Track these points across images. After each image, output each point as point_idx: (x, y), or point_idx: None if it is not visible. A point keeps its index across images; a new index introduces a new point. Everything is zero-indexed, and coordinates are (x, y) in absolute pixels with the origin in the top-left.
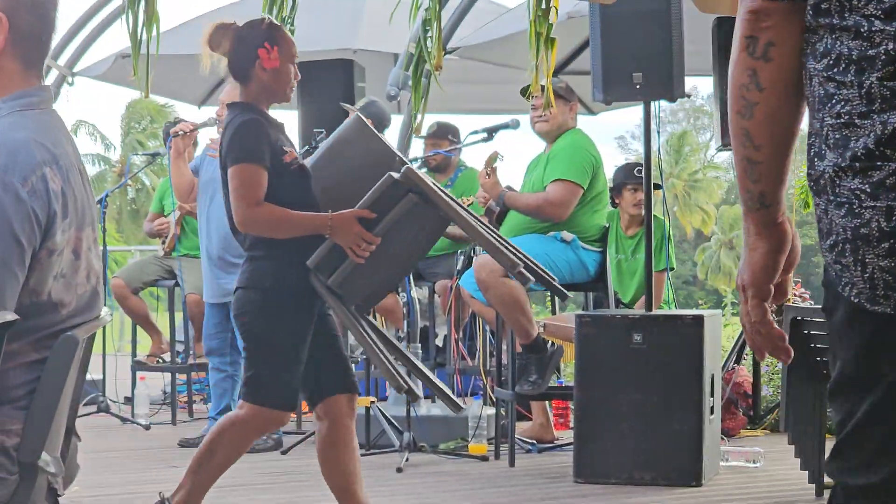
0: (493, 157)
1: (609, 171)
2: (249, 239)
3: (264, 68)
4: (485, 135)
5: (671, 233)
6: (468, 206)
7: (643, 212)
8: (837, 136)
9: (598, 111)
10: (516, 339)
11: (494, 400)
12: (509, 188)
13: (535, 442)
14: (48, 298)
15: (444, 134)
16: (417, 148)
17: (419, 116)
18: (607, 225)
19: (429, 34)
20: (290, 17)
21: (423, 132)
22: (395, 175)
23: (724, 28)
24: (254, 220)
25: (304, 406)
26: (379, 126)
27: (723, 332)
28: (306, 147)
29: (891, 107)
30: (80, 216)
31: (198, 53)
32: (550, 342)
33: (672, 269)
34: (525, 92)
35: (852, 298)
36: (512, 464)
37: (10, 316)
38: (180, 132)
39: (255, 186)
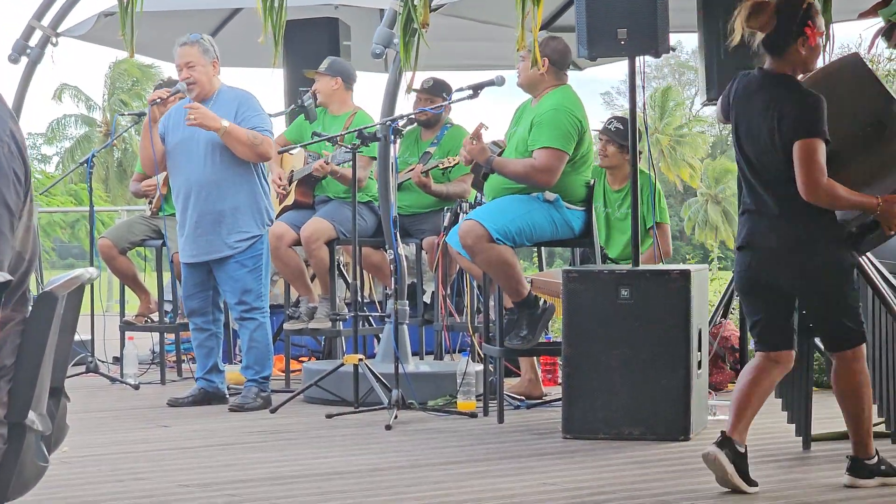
0: (478, 130)
1: (596, 127)
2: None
3: (805, 45)
4: (470, 92)
5: (658, 187)
6: (453, 166)
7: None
8: None
9: (584, 66)
10: (505, 296)
11: (482, 356)
12: (495, 143)
13: (523, 398)
14: (20, 250)
15: (438, 91)
16: (403, 106)
17: (409, 75)
18: (592, 181)
19: None
20: None
21: (418, 86)
22: None
23: None
24: (821, 194)
25: (294, 364)
26: (348, 80)
27: (710, 287)
28: (292, 106)
29: None
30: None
31: (182, 10)
32: (543, 300)
33: (661, 223)
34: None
35: None
36: (501, 420)
37: (2, 277)
38: (157, 100)
39: (823, 161)
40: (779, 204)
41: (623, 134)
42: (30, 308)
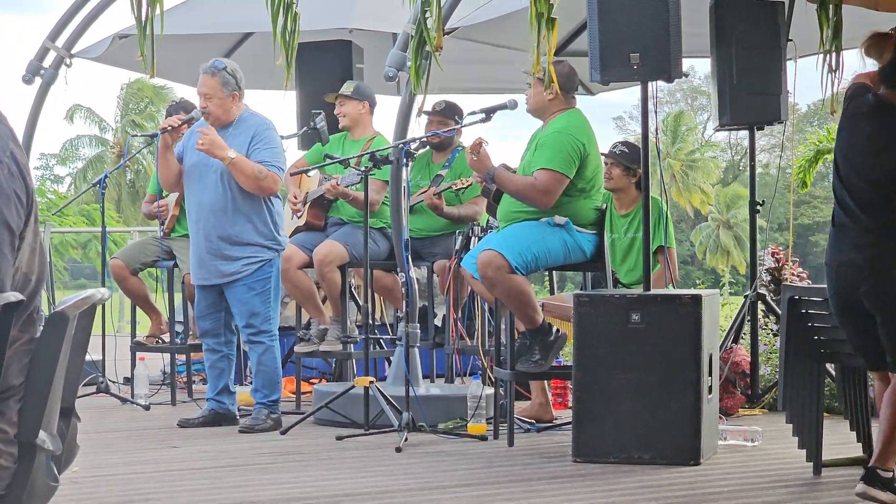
0: (477, 144)
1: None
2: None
3: None
4: (482, 115)
5: (669, 212)
6: (466, 187)
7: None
8: None
9: (597, 91)
10: (517, 320)
11: (493, 380)
12: (504, 166)
13: (533, 421)
14: (25, 272)
15: (451, 114)
16: (416, 128)
17: (420, 98)
18: (604, 206)
19: (428, 15)
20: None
21: (430, 109)
22: None
23: (721, 9)
24: None
25: (304, 386)
26: (372, 105)
27: (721, 312)
28: (304, 129)
29: None
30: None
31: (196, 34)
32: (556, 328)
33: (668, 247)
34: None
35: None
36: (511, 443)
37: (14, 297)
38: (168, 127)
39: None
40: (865, 223)
41: (628, 157)
42: (39, 328)
